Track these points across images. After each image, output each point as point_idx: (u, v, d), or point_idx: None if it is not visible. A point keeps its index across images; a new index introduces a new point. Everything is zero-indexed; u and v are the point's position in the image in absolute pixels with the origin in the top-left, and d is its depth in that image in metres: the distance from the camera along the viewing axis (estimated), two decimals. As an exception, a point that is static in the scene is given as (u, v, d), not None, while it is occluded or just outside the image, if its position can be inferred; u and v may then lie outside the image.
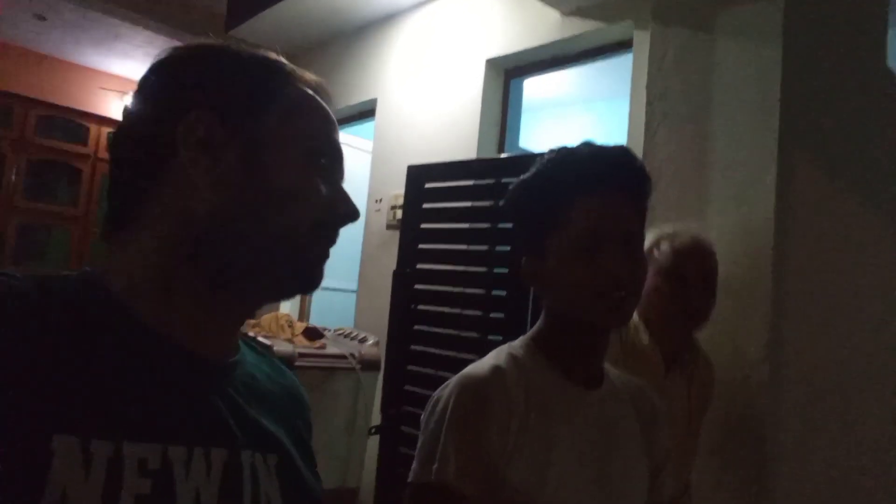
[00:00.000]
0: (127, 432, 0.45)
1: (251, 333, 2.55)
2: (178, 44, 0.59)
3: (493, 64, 2.72)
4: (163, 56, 0.57)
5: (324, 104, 0.60)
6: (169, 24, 4.32)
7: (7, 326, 0.44)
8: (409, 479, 0.80)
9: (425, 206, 2.35)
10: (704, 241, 1.38)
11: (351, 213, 0.58)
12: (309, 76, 0.61)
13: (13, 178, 5.66)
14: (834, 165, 1.73)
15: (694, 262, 1.33)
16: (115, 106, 6.89)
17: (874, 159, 1.90)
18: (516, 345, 0.89)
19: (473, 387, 0.80)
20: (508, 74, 2.75)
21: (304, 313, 3.62)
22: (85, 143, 6.79)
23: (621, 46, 2.28)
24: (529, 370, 0.84)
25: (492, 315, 2.22)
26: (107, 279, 0.52)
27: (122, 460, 0.44)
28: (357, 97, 3.39)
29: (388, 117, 3.17)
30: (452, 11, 2.94)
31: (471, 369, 0.84)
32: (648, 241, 1.38)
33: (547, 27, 2.51)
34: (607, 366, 0.92)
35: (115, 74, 6.93)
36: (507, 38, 2.65)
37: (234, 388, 0.56)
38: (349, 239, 3.59)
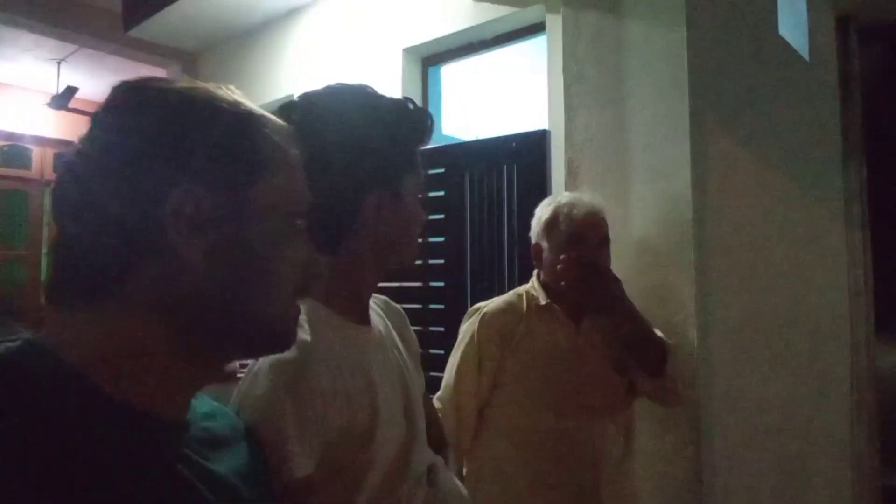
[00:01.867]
0: None
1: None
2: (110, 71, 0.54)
3: (410, 53, 2.71)
4: (124, 107, 0.52)
5: (293, 154, 0.59)
6: (57, 25, 4.05)
7: None
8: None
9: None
10: (598, 209, 1.49)
11: (316, 273, 0.61)
12: (276, 123, 0.58)
13: None
14: (742, 134, 1.84)
15: (589, 228, 1.45)
16: (7, 118, 6.38)
17: (776, 124, 2.04)
18: (309, 308, 0.83)
19: (289, 372, 0.75)
20: (426, 62, 2.74)
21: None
22: (-25, 160, 6.29)
23: (535, 29, 2.32)
24: (328, 330, 0.83)
25: (431, 307, 2.24)
26: (61, 349, 0.50)
27: None
28: (272, 94, 3.29)
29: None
30: (366, 1, 2.90)
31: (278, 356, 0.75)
32: (547, 212, 1.50)
33: (461, 13, 2.52)
34: None
35: (6, 84, 6.42)
36: (423, 26, 2.64)
37: (191, 445, 0.56)
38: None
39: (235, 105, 0.55)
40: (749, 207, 1.86)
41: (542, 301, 1.48)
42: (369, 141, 0.84)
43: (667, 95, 1.66)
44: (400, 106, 0.91)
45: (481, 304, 1.55)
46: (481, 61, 2.68)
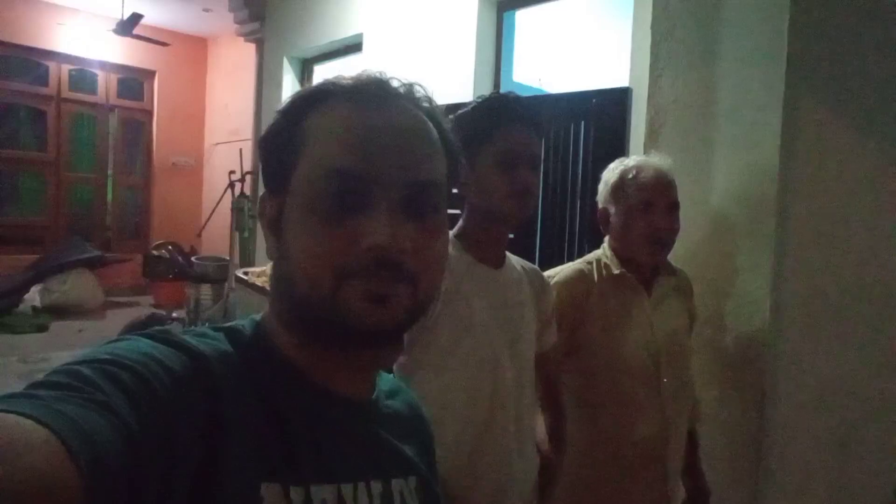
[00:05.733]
0: (311, 477, 0.51)
1: (259, 283, 2.59)
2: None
3: (485, -3, 2.64)
4: None
5: (357, 111, 0.54)
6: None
7: (219, 384, 0.48)
8: None
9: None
10: (667, 173, 1.45)
11: (372, 248, 0.51)
12: (345, 83, 0.56)
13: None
14: (837, 101, 1.77)
15: (658, 193, 1.43)
16: (74, 43, 6.51)
17: (880, 99, 1.93)
18: (455, 246, 1.18)
19: None
20: (501, 7, 2.68)
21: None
22: (46, 84, 6.48)
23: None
24: (451, 258, 1.09)
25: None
26: (272, 331, 0.57)
27: (311, 503, 0.50)
28: (342, 31, 3.28)
29: (376, 54, 3.09)
30: (439, -61, 2.82)
31: None
32: (614, 175, 1.48)
33: (540, -44, 2.43)
34: (508, 253, 1.28)
35: (73, 8, 6.53)
36: (499, -31, 2.57)
37: (379, 422, 0.61)
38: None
39: (291, 100, 0.58)
40: (833, 181, 1.81)
41: (616, 270, 1.46)
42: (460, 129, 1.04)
43: (762, 59, 1.60)
44: (483, 99, 1.20)
45: (551, 271, 1.51)
46: (560, 7, 2.60)
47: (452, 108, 1.16)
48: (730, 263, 1.65)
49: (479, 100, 1.22)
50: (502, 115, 1.17)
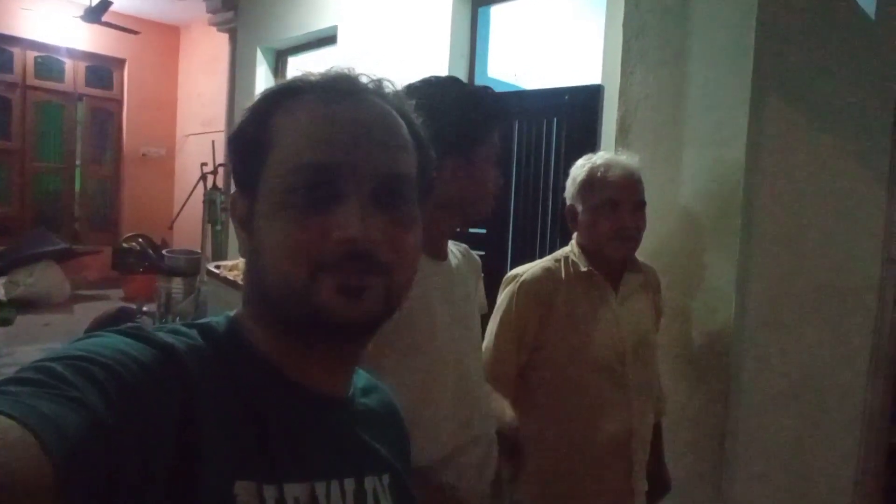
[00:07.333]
0: (285, 475, 0.51)
1: (230, 277, 2.56)
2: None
3: (460, -9, 2.64)
4: None
5: (326, 105, 0.54)
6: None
7: (192, 379, 0.48)
8: None
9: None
10: (634, 171, 1.47)
11: (343, 240, 0.51)
12: (313, 79, 0.56)
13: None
14: (806, 105, 1.80)
15: (625, 192, 1.44)
16: (40, 29, 6.33)
17: (845, 97, 1.98)
18: None
19: None
20: (476, 2, 2.68)
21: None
22: (10, 71, 6.29)
23: (594, -25, 2.25)
24: None
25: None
26: (246, 327, 0.56)
27: (285, 501, 0.50)
28: (317, 23, 3.25)
29: (350, 47, 3.06)
30: (414, -69, 2.80)
31: None
32: (582, 173, 1.48)
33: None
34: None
35: (37, -8, 6.33)
36: (474, -37, 2.56)
37: (354, 419, 0.60)
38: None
39: (259, 97, 0.57)
40: (798, 176, 1.85)
41: (583, 267, 1.46)
42: (448, 118, 1.01)
43: (730, 57, 1.63)
44: (478, 93, 1.17)
45: (519, 269, 1.52)
46: (535, 4, 2.60)
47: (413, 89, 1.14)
48: (697, 259, 1.68)
49: (469, 93, 1.16)
50: (499, 117, 1.20)
